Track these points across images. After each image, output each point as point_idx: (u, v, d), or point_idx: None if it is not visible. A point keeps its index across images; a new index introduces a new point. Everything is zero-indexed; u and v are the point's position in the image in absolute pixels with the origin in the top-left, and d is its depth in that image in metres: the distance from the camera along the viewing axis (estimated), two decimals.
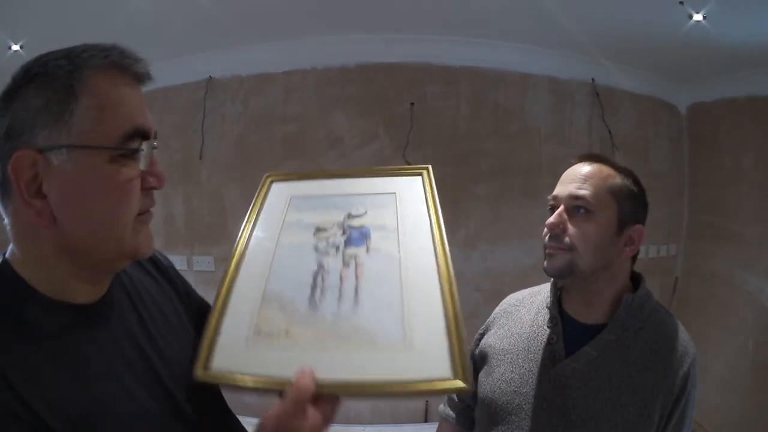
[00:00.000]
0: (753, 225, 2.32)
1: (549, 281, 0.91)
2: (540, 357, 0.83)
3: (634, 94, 2.60)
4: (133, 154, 0.52)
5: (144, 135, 0.53)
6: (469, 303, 2.56)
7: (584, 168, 0.85)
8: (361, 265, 0.67)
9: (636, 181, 0.84)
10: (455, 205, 2.46)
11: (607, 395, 0.76)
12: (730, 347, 2.38)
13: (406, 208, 0.78)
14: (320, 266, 0.67)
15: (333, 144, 2.41)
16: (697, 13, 1.73)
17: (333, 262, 0.67)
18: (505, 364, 0.86)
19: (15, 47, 1.92)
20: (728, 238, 2.45)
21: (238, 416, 0.79)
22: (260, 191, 0.80)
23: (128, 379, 0.55)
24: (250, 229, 0.75)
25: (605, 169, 0.83)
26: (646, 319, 0.80)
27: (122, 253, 0.55)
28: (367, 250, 0.69)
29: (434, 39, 2.30)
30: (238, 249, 0.73)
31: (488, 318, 1.03)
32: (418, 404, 2.65)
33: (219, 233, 2.49)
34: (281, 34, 2.25)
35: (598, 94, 2.51)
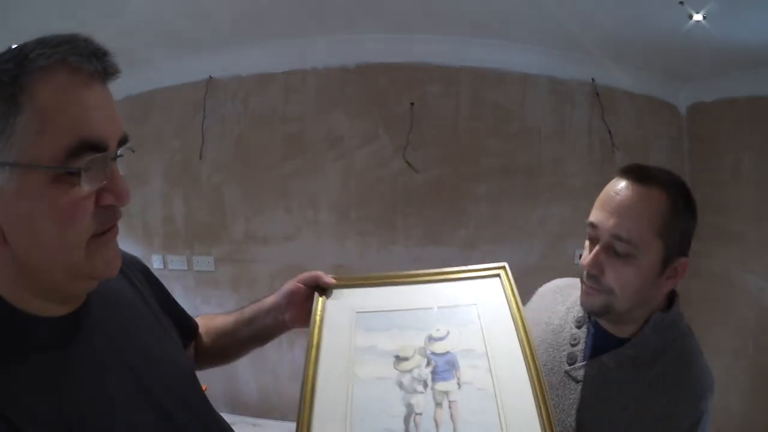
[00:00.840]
0: (753, 225, 2.32)
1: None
2: (559, 353, 0.81)
3: (634, 94, 2.59)
4: (78, 173, 0.45)
5: (95, 147, 0.46)
6: None
7: (630, 194, 0.72)
8: (456, 404, 0.60)
9: (687, 197, 0.73)
10: (455, 205, 2.46)
11: (611, 410, 0.74)
12: (730, 347, 2.38)
13: (490, 323, 0.70)
14: (410, 408, 0.60)
15: (333, 144, 2.41)
16: (697, 13, 1.73)
17: (423, 403, 0.60)
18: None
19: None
20: (728, 238, 2.45)
21: (239, 416, 0.81)
22: (316, 300, 0.73)
23: (111, 391, 0.53)
24: (315, 357, 0.66)
25: (655, 194, 0.71)
26: (671, 342, 0.75)
27: (76, 276, 0.50)
28: (459, 384, 0.63)
29: (434, 39, 2.30)
30: (308, 385, 0.63)
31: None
32: None
33: (219, 233, 2.49)
34: (281, 34, 2.25)
35: (598, 94, 2.51)
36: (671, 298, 0.79)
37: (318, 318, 0.70)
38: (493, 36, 2.29)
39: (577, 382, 0.77)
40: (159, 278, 0.77)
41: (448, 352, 0.66)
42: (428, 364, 0.65)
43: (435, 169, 2.42)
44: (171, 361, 0.64)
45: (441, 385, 0.63)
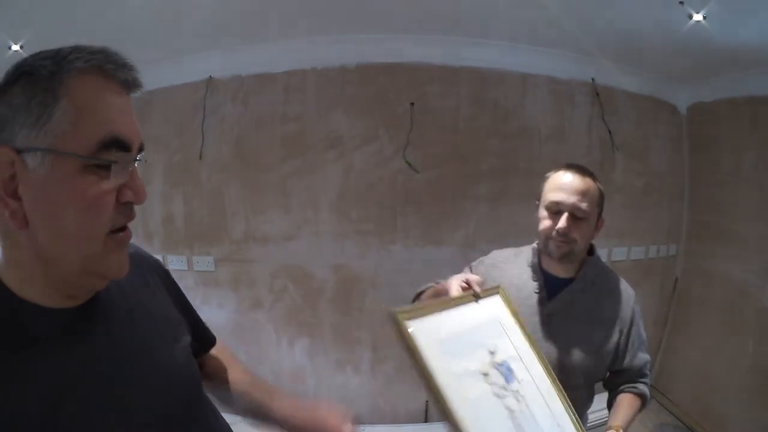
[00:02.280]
0: (753, 225, 2.32)
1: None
2: (530, 302, 1.14)
3: (634, 94, 2.60)
4: (108, 166, 0.49)
5: (123, 146, 0.50)
6: None
7: (579, 182, 1.10)
8: (524, 397, 0.84)
9: (598, 182, 1.15)
10: (455, 205, 2.46)
11: (580, 326, 1.11)
12: (730, 347, 2.38)
13: (508, 332, 0.95)
14: (509, 410, 0.80)
15: (333, 144, 2.41)
16: (697, 13, 1.73)
17: (512, 403, 0.82)
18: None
19: (15, 47, 1.92)
20: (728, 238, 2.45)
21: (239, 416, 0.81)
22: (403, 333, 0.83)
23: (95, 392, 0.53)
24: (437, 386, 0.76)
25: (591, 183, 1.11)
26: (598, 275, 1.16)
27: (88, 270, 0.52)
28: (519, 382, 0.86)
29: (434, 39, 2.30)
30: (452, 417, 0.73)
31: (474, 263, 1.29)
32: (418, 404, 2.65)
33: (219, 233, 2.49)
34: (281, 34, 2.25)
35: (598, 94, 2.51)
36: (591, 249, 1.20)
37: (413, 347, 0.80)
38: (493, 36, 2.29)
39: (551, 315, 1.12)
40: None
41: (503, 362, 0.87)
42: (500, 374, 0.85)
43: (435, 169, 2.42)
44: (171, 365, 0.64)
45: (513, 386, 0.84)
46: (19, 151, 0.46)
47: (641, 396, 1.14)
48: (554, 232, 1.09)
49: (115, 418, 0.53)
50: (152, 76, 2.50)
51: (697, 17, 1.75)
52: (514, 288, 1.15)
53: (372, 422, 2.62)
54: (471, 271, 1.24)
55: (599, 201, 1.12)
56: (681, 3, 1.68)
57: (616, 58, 2.42)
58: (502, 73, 2.41)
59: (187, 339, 0.71)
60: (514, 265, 1.21)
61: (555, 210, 1.10)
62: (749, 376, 2.25)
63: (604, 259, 2.60)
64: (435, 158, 2.42)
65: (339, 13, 2.04)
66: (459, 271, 2.76)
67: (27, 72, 0.48)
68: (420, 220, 2.45)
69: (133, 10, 1.80)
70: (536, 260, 1.19)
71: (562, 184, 1.11)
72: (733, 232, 2.42)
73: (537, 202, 1.20)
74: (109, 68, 0.50)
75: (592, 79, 2.50)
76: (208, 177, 2.50)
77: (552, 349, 1.10)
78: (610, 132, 2.53)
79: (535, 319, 1.12)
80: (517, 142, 2.47)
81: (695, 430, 2.51)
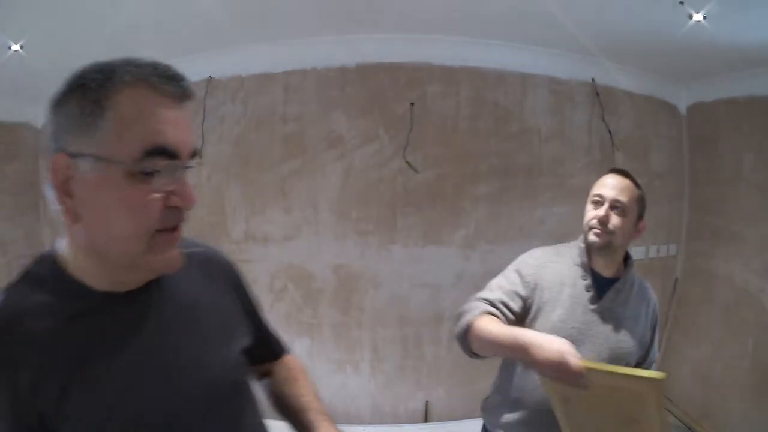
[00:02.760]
0: (753, 225, 2.32)
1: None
2: (581, 300, 1.18)
3: (634, 94, 2.60)
4: (151, 173, 0.52)
5: (170, 154, 0.53)
6: None
7: (620, 181, 1.19)
8: None
9: (641, 189, 1.24)
10: (455, 205, 2.46)
11: (627, 323, 1.20)
12: (730, 347, 2.38)
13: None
14: None
15: (333, 144, 2.41)
16: (697, 13, 1.73)
17: None
18: (559, 309, 1.17)
19: (15, 47, 1.92)
20: (728, 238, 2.45)
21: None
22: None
23: (129, 372, 0.57)
24: None
25: (631, 184, 1.20)
26: (634, 275, 1.27)
27: (133, 264, 0.57)
28: None
29: (434, 39, 2.30)
30: None
31: (516, 271, 1.27)
32: (418, 404, 2.65)
33: (219, 233, 2.49)
34: (281, 34, 2.25)
35: (598, 94, 2.51)
36: (627, 254, 1.27)
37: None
38: (493, 36, 2.29)
39: (602, 313, 1.18)
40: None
41: None
42: None
43: (435, 169, 2.42)
44: (215, 362, 0.66)
45: None
46: (72, 156, 0.52)
47: None
48: (595, 220, 1.18)
49: (151, 389, 0.58)
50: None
51: (697, 17, 1.75)
52: (567, 288, 1.20)
53: (372, 422, 2.62)
54: (522, 277, 1.24)
55: (639, 201, 1.20)
56: (681, 3, 1.68)
57: (616, 58, 2.42)
58: (502, 73, 2.41)
59: (243, 342, 0.73)
60: (561, 264, 1.25)
61: (598, 202, 1.19)
62: (749, 376, 2.25)
63: None
64: (435, 158, 2.42)
65: (339, 13, 2.04)
66: (459, 270, 2.77)
67: (81, 84, 0.53)
68: (420, 220, 2.45)
69: (133, 10, 1.80)
70: (585, 259, 1.23)
71: (605, 182, 1.20)
72: (733, 232, 2.42)
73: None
74: (155, 81, 0.53)
75: (592, 79, 2.50)
76: (208, 177, 2.50)
77: (604, 345, 1.17)
78: (610, 132, 2.53)
79: (587, 317, 1.17)
80: (517, 142, 2.47)
81: (695, 430, 2.51)
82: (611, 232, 1.16)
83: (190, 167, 0.57)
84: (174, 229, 0.57)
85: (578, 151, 2.54)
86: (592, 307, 1.18)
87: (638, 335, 1.21)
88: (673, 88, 2.70)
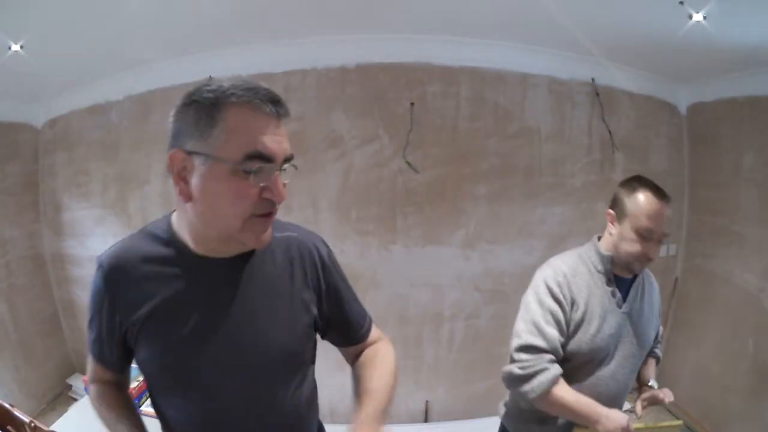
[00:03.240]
0: (753, 225, 2.32)
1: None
2: (611, 307, 1.19)
3: (634, 94, 2.60)
4: (249, 172, 0.67)
5: (266, 158, 0.68)
6: (469, 303, 2.56)
7: (669, 211, 1.16)
8: None
9: None
10: (455, 205, 2.46)
11: (648, 314, 1.26)
12: (730, 347, 2.38)
13: None
14: None
15: (333, 144, 2.41)
16: (697, 13, 1.73)
17: None
18: (594, 321, 1.17)
19: (15, 47, 1.92)
20: (728, 238, 2.45)
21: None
22: None
23: (212, 314, 0.76)
24: None
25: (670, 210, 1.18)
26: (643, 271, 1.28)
27: (230, 239, 0.73)
28: None
29: (434, 39, 2.30)
30: None
31: (552, 296, 1.19)
32: (418, 404, 2.65)
33: None
34: (281, 34, 2.25)
35: (598, 94, 2.51)
36: None
37: None
38: (493, 36, 2.30)
39: (627, 313, 1.21)
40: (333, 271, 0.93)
41: None
42: None
43: (435, 169, 2.42)
44: (271, 330, 0.79)
45: None
46: (189, 153, 0.68)
47: (657, 358, 1.40)
48: (643, 257, 1.15)
49: (209, 346, 0.75)
50: (152, 76, 2.50)
51: (697, 17, 1.75)
52: (596, 298, 1.19)
53: None
54: (559, 303, 1.17)
55: None
56: (681, 3, 1.68)
57: (616, 58, 2.42)
58: (502, 73, 2.41)
59: (305, 321, 0.84)
60: (585, 274, 1.22)
61: (647, 236, 1.13)
62: (749, 376, 2.25)
63: None
64: (435, 158, 2.42)
65: (339, 13, 2.04)
66: (459, 270, 2.76)
67: (196, 101, 0.68)
68: (420, 220, 2.45)
69: (133, 10, 1.79)
70: (609, 267, 1.21)
71: (657, 214, 1.14)
72: (733, 232, 2.42)
73: (610, 211, 1.21)
74: (256, 102, 0.68)
75: (592, 79, 2.50)
76: None
77: (635, 342, 1.22)
78: (610, 132, 2.53)
79: (618, 321, 1.19)
80: (517, 142, 2.47)
81: (695, 430, 2.51)
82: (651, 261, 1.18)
83: (283, 169, 0.72)
84: (267, 215, 0.72)
85: (578, 151, 2.54)
86: (621, 310, 1.20)
87: (655, 320, 1.30)
88: (673, 88, 2.70)
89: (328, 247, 0.94)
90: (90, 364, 0.87)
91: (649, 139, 2.67)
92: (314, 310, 0.86)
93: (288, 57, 2.36)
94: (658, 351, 1.40)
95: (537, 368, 1.11)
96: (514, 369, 1.14)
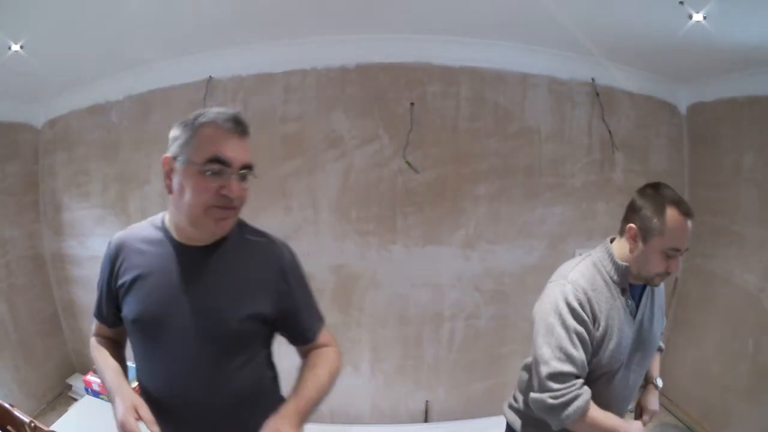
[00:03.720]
0: (753, 225, 2.32)
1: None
2: (627, 318, 1.18)
3: (634, 94, 2.59)
4: (209, 172, 0.89)
5: (223, 163, 0.89)
6: (469, 303, 2.56)
7: (692, 224, 1.12)
8: None
9: None
10: (455, 205, 2.46)
11: (657, 316, 1.26)
12: (730, 347, 2.38)
13: None
14: None
15: (333, 144, 2.41)
16: (697, 13, 1.73)
17: None
18: (614, 335, 1.16)
19: (15, 47, 1.92)
20: (728, 238, 2.45)
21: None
22: None
23: (178, 286, 0.96)
24: None
25: None
26: None
27: (198, 227, 0.94)
28: None
29: (434, 39, 2.30)
30: None
31: (575, 316, 1.14)
32: (418, 404, 2.65)
33: None
34: (281, 34, 2.25)
35: (598, 94, 2.51)
36: None
37: None
38: (493, 36, 2.29)
39: (640, 321, 1.21)
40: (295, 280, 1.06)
41: None
42: None
43: (435, 169, 2.42)
44: (215, 315, 0.96)
45: None
46: (173, 157, 0.92)
47: (661, 350, 1.42)
48: (667, 274, 1.16)
49: (175, 307, 0.95)
50: (152, 76, 2.51)
51: (697, 17, 1.74)
52: (614, 311, 1.17)
53: (372, 422, 2.62)
54: (583, 322, 1.13)
55: None
56: (681, 3, 1.68)
57: (616, 58, 2.42)
58: (502, 73, 2.41)
59: (257, 308, 0.98)
60: (603, 289, 1.18)
61: (673, 255, 1.12)
62: (749, 376, 2.25)
63: None
64: (435, 158, 2.42)
65: (339, 13, 2.04)
66: (459, 270, 2.76)
67: (184, 122, 0.93)
68: (420, 220, 2.45)
69: (133, 10, 1.79)
70: (626, 278, 1.19)
71: (686, 232, 1.11)
72: (733, 233, 2.42)
73: (632, 226, 1.15)
74: (221, 122, 0.90)
75: (592, 79, 2.50)
76: None
77: (650, 345, 1.24)
78: (610, 132, 2.53)
79: (633, 329, 1.19)
80: (517, 142, 2.47)
81: (695, 430, 2.51)
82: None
83: (242, 174, 0.92)
84: (224, 207, 0.91)
85: (578, 151, 2.54)
86: (635, 319, 1.20)
87: (662, 318, 1.31)
88: (673, 88, 2.70)
89: (293, 255, 1.08)
90: (94, 322, 1.13)
91: (649, 139, 2.67)
92: (265, 306, 0.99)
93: (288, 57, 2.36)
94: (661, 343, 1.40)
95: (570, 396, 1.09)
96: (547, 399, 1.11)
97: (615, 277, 1.18)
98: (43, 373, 2.84)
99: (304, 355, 1.08)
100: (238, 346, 0.99)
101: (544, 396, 1.12)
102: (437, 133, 2.41)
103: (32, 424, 1.05)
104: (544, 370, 1.12)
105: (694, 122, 2.71)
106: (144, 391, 1.01)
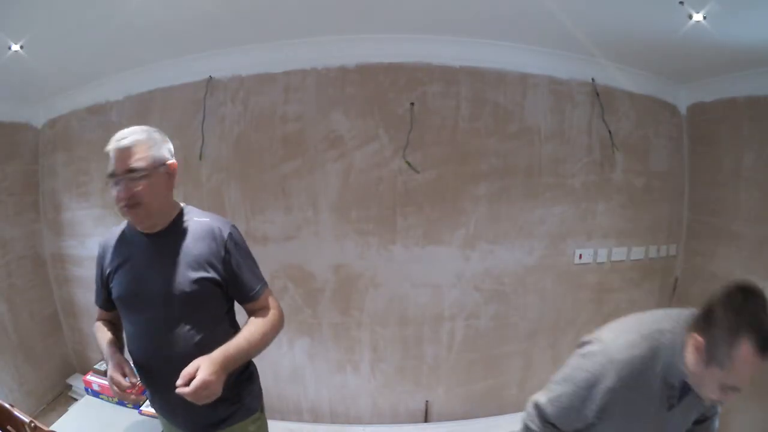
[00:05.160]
0: (753, 225, 2.32)
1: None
2: (659, 408, 1.06)
3: (634, 94, 2.60)
4: (111, 184, 1.18)
5: (111, 175, 1.16)
6: (469, 303, 2.56)
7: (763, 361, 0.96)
8: None
9: None
10: (455, 205, 2.46)
11: (693, 415, 1.15)
12: None
13: None
14: None
15: (333, 144, 2.41)
16: (697, 13, 1.73)
17: None
18: (635, 419, 1.06)
19: (15, 47, 1.92)
20: (728, 238, 2.45)
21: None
22: None
23: (145, 266, 1.24)
24: None
25: None
26: None
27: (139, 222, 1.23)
28: None
29: (434, 39, 2.30)
30: None
31: (604, 368, 1.04)
32: (419, 404, 2.65)
33: None
34: (281, 34, 2.25)
35: (598, 94, 2.51)
36: None
37: None
38: (493, 36, 2.29)
39: (671, 407, 1.06)
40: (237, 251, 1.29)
41: None
42: None
43: (435, 169, 2.42)
44: (174, 278, 1.21)
45: None
46: None
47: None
48: (715, 402, 1.10)
49: (142, 283, 1.23)
50: (152, 76, 2.51)
51: (697, 17, 1.75)
52: (654, 397, 1.05)
53: (372, 422, 2.62)
54: (603, 393, 1.03)
55: None
56: (681, 3, 1.68)
57: (616, 58, 2.42)
58: (502, 73, 2.41)
59: (198, 275, 1.21)
60: (655, 375, 1.03)
61: (730, 391, 0.97)
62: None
63: (603, 259, 2.62)
64: (435, 158, 2.42)
65: (339, 13, 2.04)
66: (459, 270, 2.76)
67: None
68: (420, 220, 2.45)
69: (133, 10, 1.79)
70: (685, 381, 1.02)
71: (752, 372, 0.94)
72: (733, 232, 2.42)
73: (699, 338, 0.98)
74: (110, 143, 1.17)
75: (592, 79, 2.50)
76: (208, 177, 2.50)
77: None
78: (610, 132, 2.53)
79: (660, 418, 1.07)
80: (517, 142, 2.47)
81: None
82: None
83: (129, 177, 1.15)
84: (125, 207, 1.17)
85: (578, 151, 2.54)
86: (666, 412, 1.06)
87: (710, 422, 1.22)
88: (673, 88, 2.70)
89: (235, 230, 1.30)
90: (96, 310, 1.40)
91: (649, 139, 2.67)
92: (211, 270, 1.22)
93: (288, 57, 2.36)
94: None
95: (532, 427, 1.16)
96: (524, 419, 1.19)
97: (669, 380, 1.03)
98: (43, 373, 2.84)
99: (250, 313, 1.31)
100: (194, 305, 1.21)
101: (524, 414, 1.20)
102: (437, 133, 2.41)
103: (32, 424, 1.05)
104: (538, 398, 1.16)
105: (694, 122, 2.71)
106: (130, 353, 1.29)
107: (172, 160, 1.27)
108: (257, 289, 1.30)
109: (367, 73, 2.36)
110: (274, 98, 2.41)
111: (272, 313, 1.30)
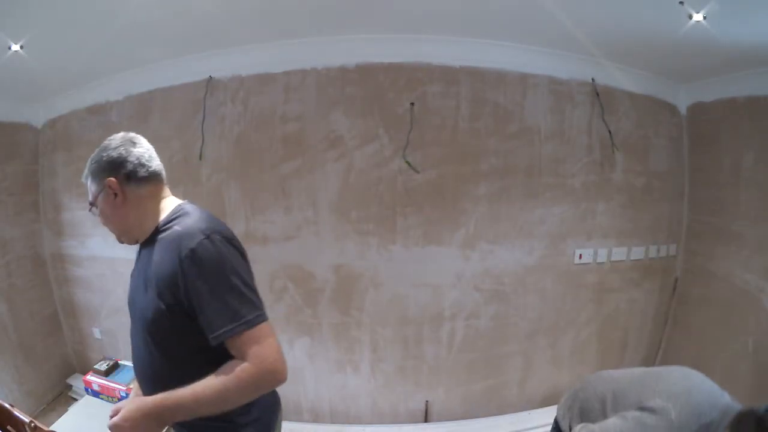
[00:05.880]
0: (753, 225, 2.32)
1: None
2: None
3: (634, 94, 2.60)
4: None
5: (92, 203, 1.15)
6: (469, 303, 2.56)
7: None
8: None
9: None
10: (455, 205, 2.46)
11: None
12: (730, 347, 2.38)
13: None
14: None
15: (333, 144, 2.41)
16: (697, 13, 1.73)
17: None
18: None
19: (15, 47, 1.92)
20: (728, 238, 2.45)
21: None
22: None
23: (135, 277, 1.16)
24: None
25: None
26: None
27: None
28: None
29: (434, 39, 2.30)
30: None
31: None
32: (418, 404, 2.65)
33: None
34: (281, 34, 2.25)
35: (598, 94, 2.51)
36: None
37: None
38: (493, 36, 2.29)
39: None
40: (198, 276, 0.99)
41: None
42: None
43: (435, 169, 2.42)
44: (138, 296, 1.11)
45: None
46: None
47: None
48: None
49: (131, 295, 1.16)
50: (152, 76, 2.51)
51: (697, 17, 1.75)
52: None
53: (372, 422, 2.62)
54: None
55: None
56: (681, 3, 1.68)
57: (616, 58, 2.42)
58: (502, 73, 2.41)
59: (155, 299, 1.02)
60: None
61: None
62: (749, 376, 2.25)
63: (603, 259, 2.62)
64: (435, 158, 2.42)
65: (339, 13, 2.04)
66: (459, 270, 2.76)
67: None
68: (420, 220, 2.45)
69: (133, 10, 1.79)
70: None
71: None
72: (733, 232, 2.42)
73: None
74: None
75: (592, 79, 2.50)
76: (208, 177, 2.50)
77: None
78: (610, 132, 2.53)
79: None
80: (517, 142, 2.47)
81: None
82: None
83: (92, 208, 1.14)
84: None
85: (578, 151, 2.54)
86: None
87: None
88: (673, 88, 2.70)
89: (206, 245, 0.98)
90: None
91: (649, 139, 2.67)
92: (170, 297, 0.99)
93: (288, 57, 2.36)
94: None
95: None
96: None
97: None
98: (43, 373, 2.84)
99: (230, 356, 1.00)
100: (151, 332, 1.05)
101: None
102: (437, 133, 2.41)
103: (32, 424, 1.05)
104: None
105: (694, 122, 2.71)
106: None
107: (109, 178, 1.07)
108: (222, 331, 0.96)
109: (366, 73, 2.36)
110: (274, 98, 2.41)
111: (243, 368, 0.95)
